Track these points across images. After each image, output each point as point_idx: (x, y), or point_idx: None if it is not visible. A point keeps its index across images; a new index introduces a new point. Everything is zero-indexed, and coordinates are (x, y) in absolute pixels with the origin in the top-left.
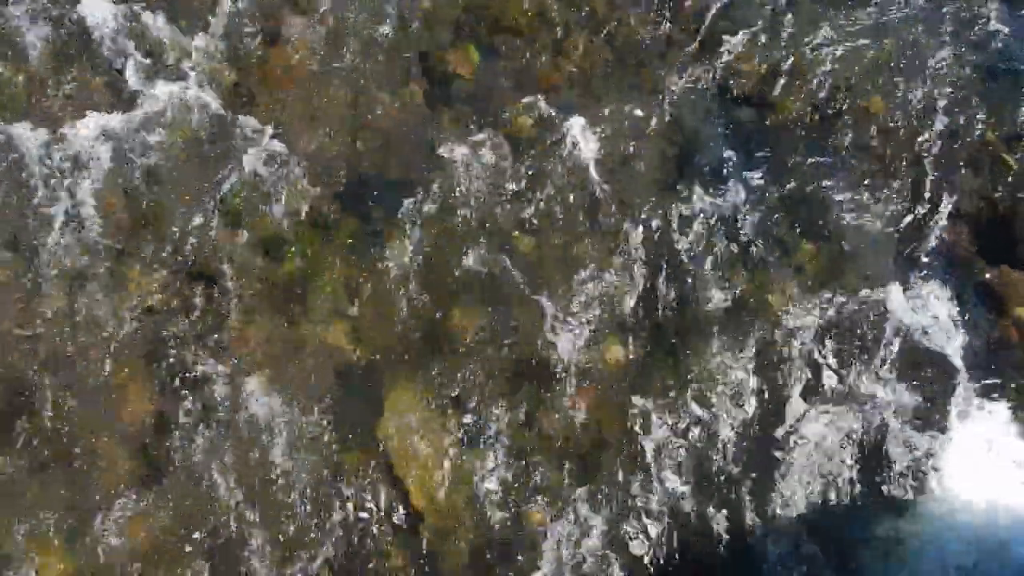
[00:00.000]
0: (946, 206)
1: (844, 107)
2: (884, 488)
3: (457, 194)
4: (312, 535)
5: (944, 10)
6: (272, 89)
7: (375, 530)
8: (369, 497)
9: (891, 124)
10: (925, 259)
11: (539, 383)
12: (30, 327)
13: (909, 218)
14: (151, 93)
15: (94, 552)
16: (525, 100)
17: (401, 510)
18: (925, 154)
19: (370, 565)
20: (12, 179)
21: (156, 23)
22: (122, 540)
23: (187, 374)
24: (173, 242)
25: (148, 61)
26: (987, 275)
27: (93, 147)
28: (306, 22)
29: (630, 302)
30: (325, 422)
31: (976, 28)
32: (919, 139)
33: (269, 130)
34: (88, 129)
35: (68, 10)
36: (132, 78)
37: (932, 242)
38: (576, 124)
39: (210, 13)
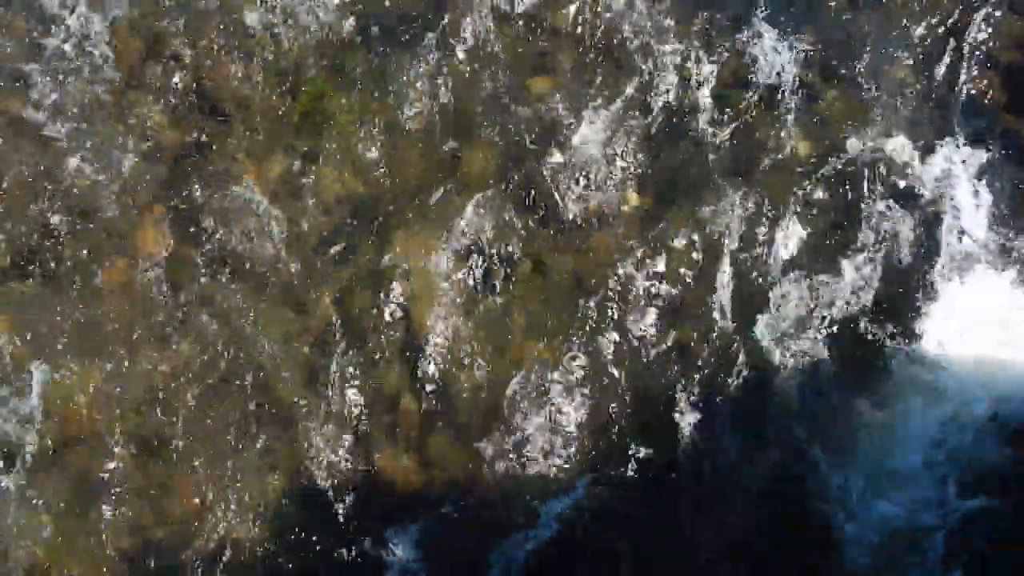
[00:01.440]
0: (978, 53)
1: None
2: (888, 341)
3: (473, 31)
4: (325, 371)
5: None
6: None
7: (385, 369)
8: (379, 335)
9: None
10: (950, 108)
11: (551, 227)
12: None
13: (938, 64)
14: None
15: (115, 376)
16: None
17: (411, 350)
18: None
19: (380, 401)
20: (13, 9)
21: None
22: (143, 368)
23: (199, 210)
24: (184, 76)
25: None
26: (1014, 127)
27: None
28: None
29: (648, 147)
30: (336, 258)
31: None
32: None
33: None
34: None
35: None
36: None
37: (959, 91)
38: None
39: None
